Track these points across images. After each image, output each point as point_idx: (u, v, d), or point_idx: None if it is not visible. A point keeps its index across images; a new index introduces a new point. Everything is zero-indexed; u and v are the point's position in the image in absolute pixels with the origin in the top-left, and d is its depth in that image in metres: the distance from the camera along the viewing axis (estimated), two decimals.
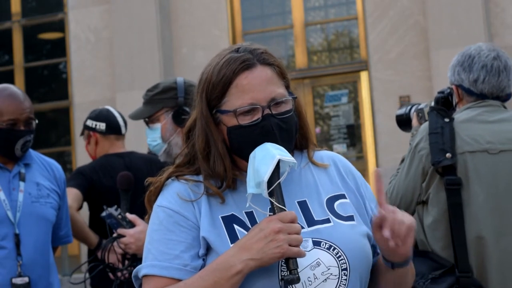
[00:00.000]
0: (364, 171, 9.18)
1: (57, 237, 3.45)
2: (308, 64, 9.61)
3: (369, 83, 9.07)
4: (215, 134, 1.79)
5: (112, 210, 2.91)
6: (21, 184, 3.23)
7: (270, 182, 1.67)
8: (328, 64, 9.78)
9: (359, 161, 9.30)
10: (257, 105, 1.75)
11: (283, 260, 1.65)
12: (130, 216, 2.95)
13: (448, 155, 2.75)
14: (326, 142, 9.45)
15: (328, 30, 9.89)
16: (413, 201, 2.88)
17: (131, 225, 2.94)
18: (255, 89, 1.75)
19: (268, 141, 1.73)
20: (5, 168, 3.24)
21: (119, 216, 2.91)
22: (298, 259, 1.64)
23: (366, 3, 9.07)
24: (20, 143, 3.19)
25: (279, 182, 1.67)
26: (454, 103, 3.04)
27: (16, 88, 3.32)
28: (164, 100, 3.11)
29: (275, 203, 1.67)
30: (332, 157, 1.94)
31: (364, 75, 9.26)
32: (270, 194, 1.67)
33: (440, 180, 2.79)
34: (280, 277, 1.67)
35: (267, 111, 1.75)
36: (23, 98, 3.24)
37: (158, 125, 3.12)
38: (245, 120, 1.75)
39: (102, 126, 4.17)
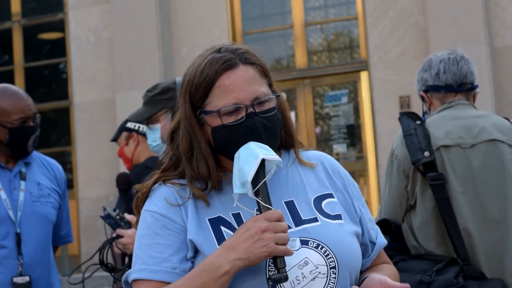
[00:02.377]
0: (364, 171, 9.18)
1: (58, 236, 3.45)
2: (308, 64, 9.61)
3: (369, 83, 9.07)
4: (198, 135, 1.79)
5: (110, 210, 2.92)
6: (22, 183, 3.24)
7: (255, 181, 1.67)
8: (328, 64, 9.78)
9: (359, 161, 9.30)
10: (241, 104, 1.75)
11: (271, 260, 1.65)
12: (128, 217, 2.95)
13: (426, 153, 2.80)
14: (326, 142, 9.45)
15: (328, 30, 9.88)
16: (401, 210, 2.91)
17: (129, 225, 2.94)
18: (238, 88, 1.75)
19: (253, 140, 1.73)
20: (6, 167, 3.25)
21: (117, 217, 2.92)
22: (286, 258, 1.64)
23: (366, 3, 9.07)
24: (32, 139, 3.23)
25: (265, 181, 1.67)
26: (427, 110, 3.12)
27: (15, 87, 3.35)
28: (163, 101, 3.11)
29: (261, 202, 1.67)
30: (320, 157, 1.94)
31: (364, 75, 9.26)
32: (256, 193, 1.67)
33: (423, 179, 2.83)
34: (267, 277, 1.67)
35: (250, 110, 1.75)
36: (26, 95, 3.29)
37: (158, 126, 3.13)
38: (229, 120, 1.76)
39: (144, 128, 4.25)
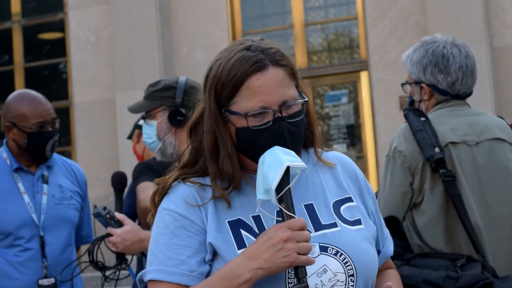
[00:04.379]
0: (364, 171, 9.17)
1: (79, 237, 3.50)
2: (308, 64, 9.61)
3: (369, 83, 9.07)
4: (223, 133, 1.74)
5: (100, 209, 2.93)
6: (45, 186, 3.27)
7: (279, 187, 1.63)
8: (328, 64, 9.78)
9: (359, 161, 9.30)
10: (269, 109, 1.71)
11: (291, 269, 1.63)
12: (118, 216, 2.95)
13: (436, 149, 2.77)
14: (326, 142, 9.40)
15: (328, 30, 9.88)
16: (404, 208, 2.86)
17: (120, 224, 2.94)
18: (266, 91, 1.70)
19: (278, 145, 1.69)
20: (28, 171, 3.29)
21: (107, 216, 2.93)
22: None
23: (366, 3, 9.07)
24: (50, 144, 3.26)
25: (289, 188, 1.64)
26: (418, 100, 3.02)
27: (35, 92, 3.37)
28: (162, 98, 3.11)
29: (284, 210, 1.63)
30: (339, 158, 1.92)
31: (364, 75, 9.26)
32: (280, 200, 1.64)
33: (433, 175, 2.79)
34: (287, 285, 1.65)
35: (278, 115, 1.71)
36: (45, 100, 3.32)
37: (154, 122, 3.13)
38: (255, 122, 1.71)
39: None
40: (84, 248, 3.53)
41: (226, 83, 1.72)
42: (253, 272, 1.60)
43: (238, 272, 1.61)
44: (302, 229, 1.61)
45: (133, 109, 3.23)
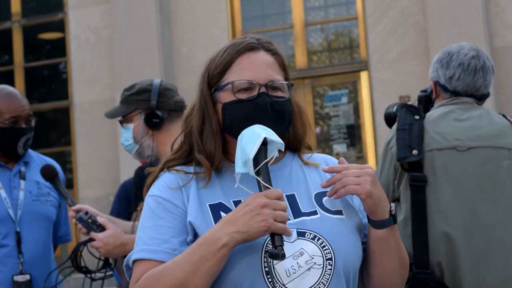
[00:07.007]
0: None
1: (57, 236, 3.47)
2: (308, 64, 9.61)
3: (369, 83, 9.07)
4: (211, 111, 1.84)
5: (82, 214, 2.97)
6: (22, 182, 3.26)
7: (256, 162, 1.70)
8: (328, 64, 9.78)
9: (359, 161, 9.30)
10: (255, 82, 1.81)
11: (269, 239, 1.67)
12: (100, 220, 2.99)
13: (414, 152, 2.76)
14: (326, 142, 9.45)
15: (328, 30, 9.88)
16: (388, 198, 2.87)
17: (102, 228, 2.97)
18: (255, 68, 1.82)
19: (261, 118, 1.78)
20: (5, 167, 3.27)
21: (89, 220, 2.96)
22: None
23: (366, 3, 9.07)
24: (22, 140, 3.23)
25: (266, 162, 1.70)
26: (432, 99, 3.07)
27: (13, 88, 3.36)
28: (137, 102, 3.13)
29: (261, 181, 1.69)
30: (324, 158, 1.98)
31: (364, 75, 9.26)
32: (257, 174, 1.70)
33: (407, 177, 2.79)
34: (263, 251, 1.69)
35: (263, 90, 1.81)
36: (21, 96, 3.30)
37: (131, 126, 3.15)
38: (240, 96, 1.81)
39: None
40: (63, 247, 3.53)
41: (218, 63, 1.85)
42: (231, 236, 1.64)
43: (217, 237, 1.65)
44: (278, 198, 1.67)
45: (110, 114, 3.24)
